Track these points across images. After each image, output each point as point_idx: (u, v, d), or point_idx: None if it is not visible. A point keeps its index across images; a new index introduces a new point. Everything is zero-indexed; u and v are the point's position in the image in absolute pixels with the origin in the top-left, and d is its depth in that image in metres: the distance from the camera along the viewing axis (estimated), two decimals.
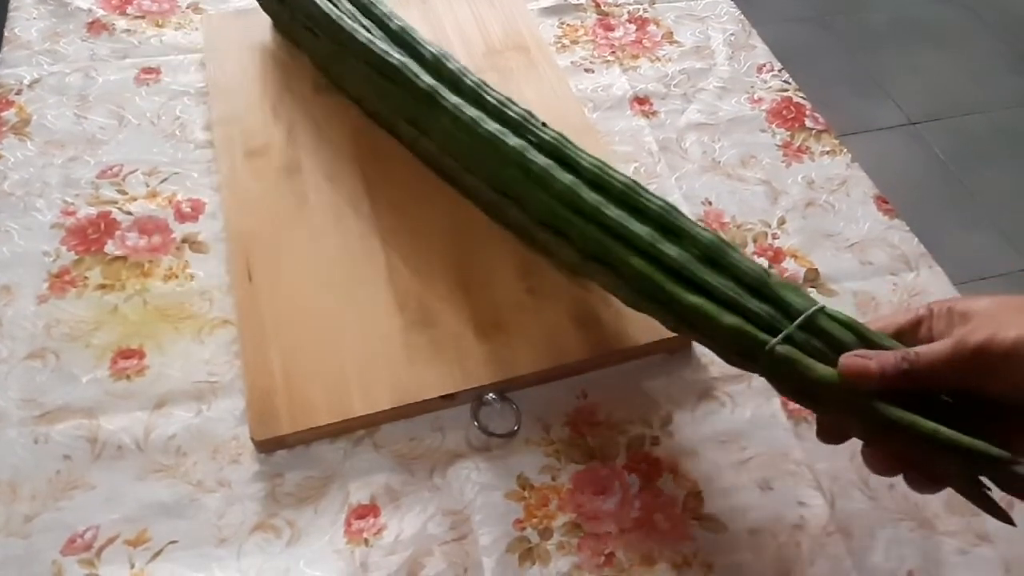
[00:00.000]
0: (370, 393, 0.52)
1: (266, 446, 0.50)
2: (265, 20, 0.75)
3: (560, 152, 0.54)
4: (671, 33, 0.81)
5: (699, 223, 0.49)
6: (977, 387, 0.38)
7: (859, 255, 0.64)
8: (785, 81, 0.77)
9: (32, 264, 0.58)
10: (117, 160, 0.65)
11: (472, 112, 0.57)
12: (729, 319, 0.44)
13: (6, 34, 0.75)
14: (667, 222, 0.49)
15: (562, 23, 0.81)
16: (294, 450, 0.51)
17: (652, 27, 0.82)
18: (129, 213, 0.62)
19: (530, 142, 0.54)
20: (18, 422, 0.51)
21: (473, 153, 0.57)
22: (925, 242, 0.65)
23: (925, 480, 0.41)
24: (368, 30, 0.64)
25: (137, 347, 0.55)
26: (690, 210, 0.66)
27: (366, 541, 0.48)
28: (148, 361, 0.54)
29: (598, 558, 0.48)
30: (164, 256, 0.60)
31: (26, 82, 0.71)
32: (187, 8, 0.79)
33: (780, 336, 0.43)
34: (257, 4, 0.74)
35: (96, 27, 0.76)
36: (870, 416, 0.40)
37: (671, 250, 0.47)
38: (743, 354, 0.44)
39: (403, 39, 0.64)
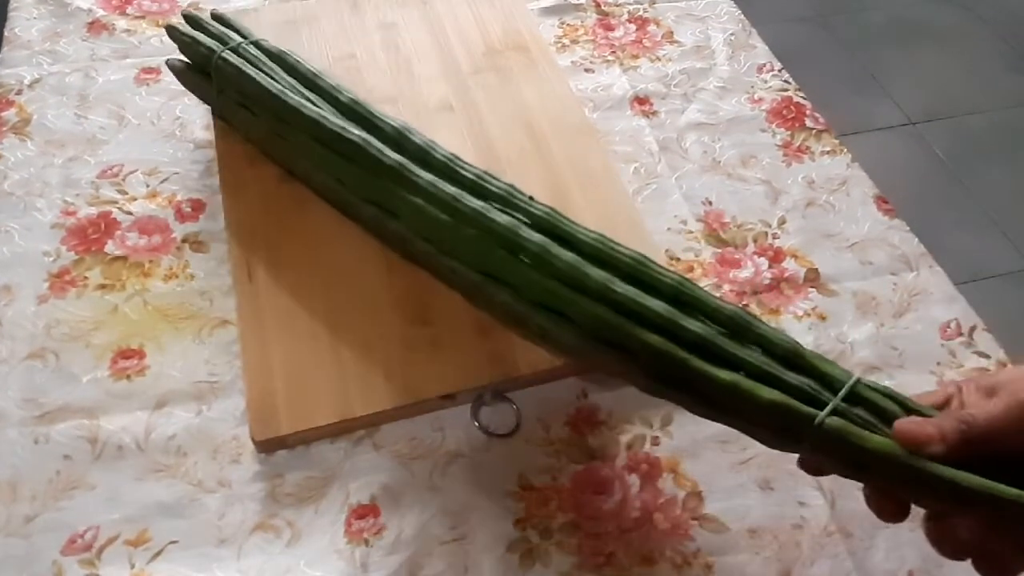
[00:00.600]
0: (370, 393, 0.52)
1: (266, 446, 0.50)
2: (266, 20, 0.75)
3: (555, 228, 0.49)
4: (671, 33, 0.81)
5: (717, 296, 0.46)
6: None
7: (859, 255, 0.64)
8: (785, 81, 0.77)
9: (32, 264, 0.58)
10: (117, 160, 0.65)
11: (449, 189, 0.52)
12: (769, 395, 0.41)
13: (6, 34, 0.75)
14: (683, 296, 0.45)
15: (562, 23, 0.81)
16: (294, 450, 0.51)
17: (652, 27, 0.82)
18: (129, 213, 0.62)
19: (519, 219, 0.50)
20: (18, 422, 0.51)
21: (453, 235, 0.51)
22: (925, 242, 0.65)
23: (999, 562, 0.38)
24: (315, 104, 0.58)
25: (137, 347, 0.55)
26: (690, 210, 0.66)
27: (366, 541, 0.48)
28: (148, 361, 0.54)
29: (598, 558, 0.48)
30: (164, 256, 0.60)
31: (26, 82, 0.71)
32: (187, 8, 0.79)
33: (828, 408, 0.40)
34: (258, 3, 0.74)
35: (96, 27, 0.76)
36: (936, 486, 0.37)
37: (693, 325, 0.43)
38: (784, 431, 0.41)
39: (357, 113, 0.58)
